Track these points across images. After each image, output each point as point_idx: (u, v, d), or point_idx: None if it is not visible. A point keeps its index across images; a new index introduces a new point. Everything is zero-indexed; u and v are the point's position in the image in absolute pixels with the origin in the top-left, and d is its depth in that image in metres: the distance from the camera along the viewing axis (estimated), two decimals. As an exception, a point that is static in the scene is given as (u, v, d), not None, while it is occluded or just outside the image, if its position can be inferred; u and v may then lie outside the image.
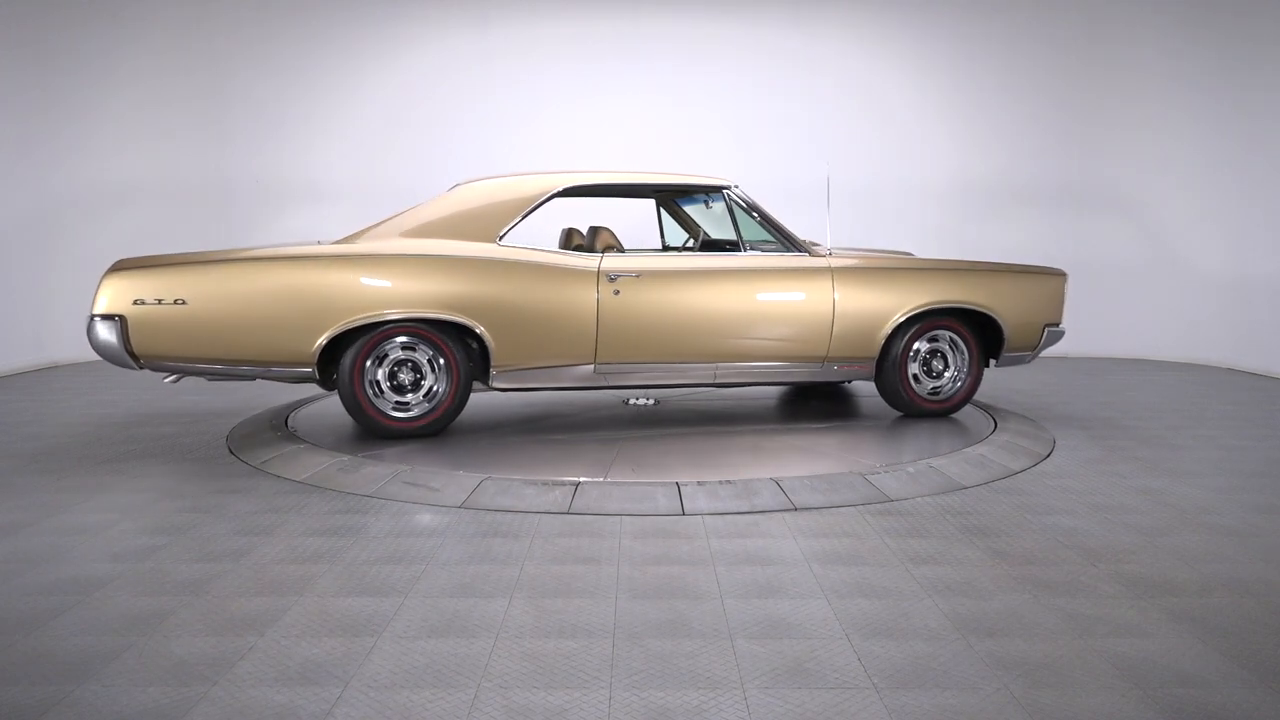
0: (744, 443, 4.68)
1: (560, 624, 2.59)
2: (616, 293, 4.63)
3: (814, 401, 5.80)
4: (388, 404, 4.61)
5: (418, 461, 4.22)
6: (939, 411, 5.17)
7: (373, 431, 4.62)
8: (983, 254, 8.07)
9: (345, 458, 4.28)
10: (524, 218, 4.74)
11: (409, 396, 4.62)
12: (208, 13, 8.30)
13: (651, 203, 6.06)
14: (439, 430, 4.68)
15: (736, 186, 5.00)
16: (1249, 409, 5.95)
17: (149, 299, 4.31)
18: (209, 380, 4.62)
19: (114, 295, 4.30)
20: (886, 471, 4.07)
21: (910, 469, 4.12)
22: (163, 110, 8.30)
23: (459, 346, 4.60)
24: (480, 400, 5.85)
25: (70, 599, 2.75)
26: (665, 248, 5.91)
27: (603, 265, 4.69)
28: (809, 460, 4.28)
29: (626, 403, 5.66)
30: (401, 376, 4.59)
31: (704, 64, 8.43)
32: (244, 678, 2.26)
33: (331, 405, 5.62)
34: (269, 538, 3.32)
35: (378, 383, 4.58)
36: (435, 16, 8.45)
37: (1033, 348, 5.23)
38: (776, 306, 4.88)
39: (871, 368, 5.05)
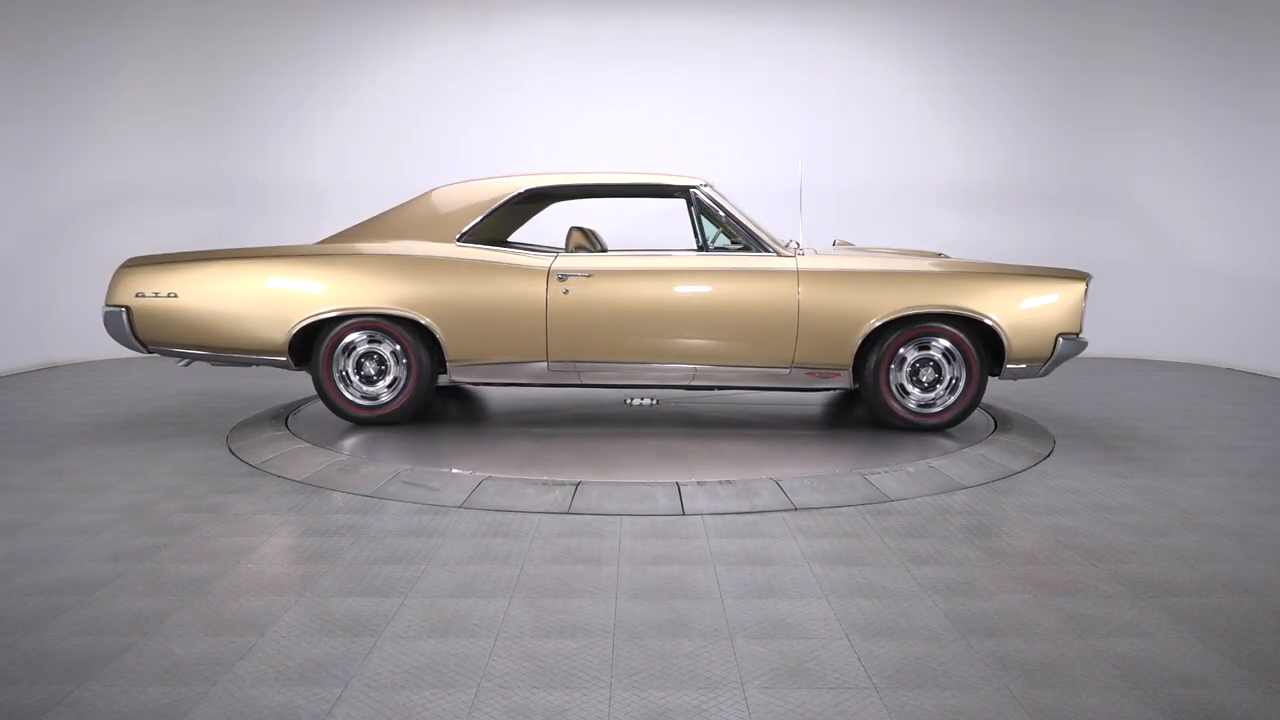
0: (744, 443, 4.68)
1: (560, 624, 2.59)
2: (566, 292, 4.72)
3: (815, 402, 5.80)
4: (356, 393, 4.95)
5: (418, 461, 4.23)
6: (929, 426, 4.77)
7: (342, 418, 4.99)
8: (983, 255, 8.08)
9: (345, 458, 4.29)
10: (483, 220, 4.97)
11: (374, 387, 4.94)
12: (208, 14, 8.31)
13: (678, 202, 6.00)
14: (404, 419, 4.97)
15: (705, 185, 4.90)
16: (1249, 409, 5.95)
17: (148, 293, 4.91)
18: (212, 365, 5.15)
19: (121, 289, 4.96)
20: (886, 471, 4.07)
21: (910, 469, 4.12)
22: (163, 111, 8.31)
23: (418, 341, 4.85)
24: (480, 400, 5.86)
25: (70, 599, 2.75)
26: (700, 247, 5.79)
27: (555, 265, 4.78)
28: (809, 460, 4.28)
29: (627, 402, 5.67)
30: (368, 368, 4.91)
31: (704, 64, 8.43)
32: (244, 678, 2.26)
33: (331, 405, 5.64)
34: (269, 538, 3.32)
35: (346, 373, 4.93)
36: (435, 17, 8.45)
37: (1044, 359, 4.68)
38: (734, 308, 4.68)
39: (847, 376, 4.74)
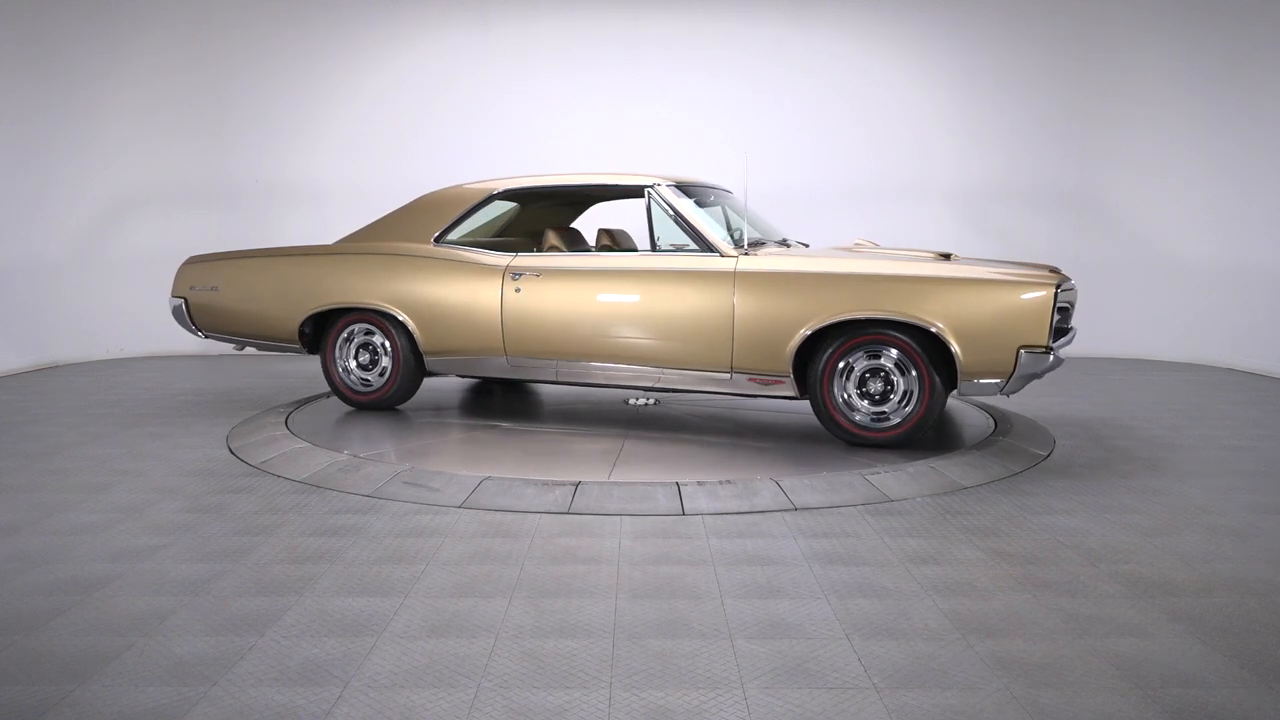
0: (744, 443, 4.68)
1: (560, 624, 2.59)
2: (518, 290, 4.90)
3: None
4: (355, 379, 5.41)
5: (418, 461, 4.23)
6: (878, 442, 4.40)
7: (343, 401, 5.49)
8: (984, 255, 8.07)
9: (345, 458, 4.29)
10: (459, 221, 5.27)
11: (368, 374, 5.37)
12: (208, 13, 8.31)
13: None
14: (391, 405, 5.43)
15: (661, 184, 4.84)
16: (1249, 409, 5.95)
17: (197, 286, 5.64)
18: (259, 351, 5.78)
19: (180, 282, 5.70)
20: (886, 471, 4.07)
21: (910, 469, 4.12)
22: (163, 111, 8.30)
23: (400, 333, 5.21)
24: (479, 400, 5.87)
25: (70, 599, 2.75)
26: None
27: (511, 264, 4.97)
28: (809, 460, 4.28)
29: (627, 403, 5.67)
30: (363, 357, 5.36)
31: (704, 64, 8.43)
32: (244, 678, 2.26)
33: (331, 405, 5.65)
34: (269, 538, 3.32)
35: (346, 361, 5.40)
36: (436, 17, 8.45)
37: (1005, 374, 4.15)
38: (671, 310, 4.61)
39: (789, 384, 4.48)
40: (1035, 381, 4.95)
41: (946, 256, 4.63)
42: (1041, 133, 8.42)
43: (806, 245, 5.36)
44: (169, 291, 5.81)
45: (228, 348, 8.20)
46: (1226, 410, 5.89)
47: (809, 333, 4.35)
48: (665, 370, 4.70)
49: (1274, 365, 7.38)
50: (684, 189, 5.00)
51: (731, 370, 4.56)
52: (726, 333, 4.51)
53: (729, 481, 3.89)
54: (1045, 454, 4.62)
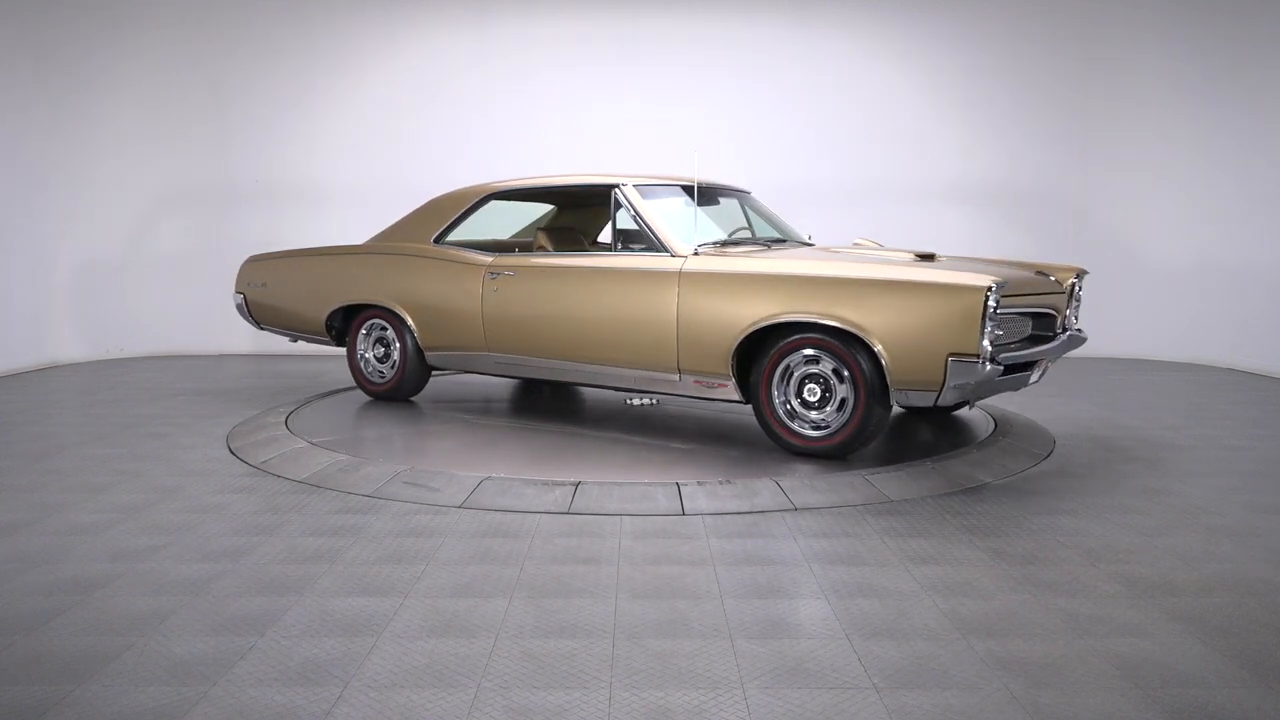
0: (744, 443, 4.68)
1: (560, 624, 2.59)
2: (495, 289, 5.05)
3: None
4: (373, 372, 5.73)
5: (418, 461, 4.23)
6: (815, 451, 4.22)
7: (362, 390, 5.85)
8: (982, 254, 8.07)
9: (345, 458, 4.29)
10: (456, 222, 5.46)
11: (382, 365, 5.69)
12: (207, 14, 8.30)
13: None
14: (403, 396, 5.69)
15: (625, 185, 4.82)
16: (1249, 409, 5.95)
17: (253, 283, 6.11)
18: (307, 342, 6.11)
19: (240, 279, 6.20)
20: (886, 471, 4.07)
21: (910, 469, 4.12)
22: (162, 111, 8.30)
23: (405, 329, 5.48)
24: (479, 399, 5.87)
25: (70, 599, 2.75)
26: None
27: (491, 263, 5.12)
28: (809, 460, 4.28)
29: (627, 403, 5.67)
30: (378, 350, 5.69)
31: (704, 64, 8.43)
32: (244, 678, 2.26)
33: (331, 405, 5.65)
34: (269, 538, 3.32)
35: (365, 355, 5.73)
36: (435, 17, 8.45)
37: (935, 385, 3.84)
38: (622, 309, 4.61)
39: (731, 387, 4.37)
40: (1038, 380, 4.60)
41: (930, 257, 4.43)
42: (1042, 133, 8.42)
43: (812, 244, 5.36)
44: (232, 287, 6.32)
45: (225, 348, 8.27)
46: (1226, 410, 5.89)
47: (744, 335, 4.24)
48: (626, 370, 4.69)
49: (1274, 365, 7.38)
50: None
51: (679, 371, 4.52)
52: (671, 333, 4.46)
53: (729, 481, 3.89)
54: (1045, 454, 4.62)
